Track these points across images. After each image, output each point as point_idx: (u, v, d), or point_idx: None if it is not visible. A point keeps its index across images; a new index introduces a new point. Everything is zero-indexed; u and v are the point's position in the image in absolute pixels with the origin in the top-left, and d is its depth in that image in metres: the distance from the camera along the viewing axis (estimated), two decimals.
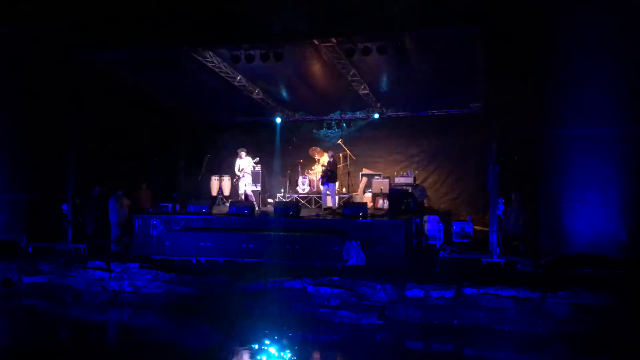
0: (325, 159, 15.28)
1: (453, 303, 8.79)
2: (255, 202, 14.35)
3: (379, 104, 16.46)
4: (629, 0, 9.81)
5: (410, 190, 14.51)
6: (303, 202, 15.67)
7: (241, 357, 7.91)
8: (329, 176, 13.90)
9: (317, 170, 15.80)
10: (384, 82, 14.56)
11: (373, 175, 16.00)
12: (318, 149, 16.30)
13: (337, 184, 14.82)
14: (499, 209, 11.07)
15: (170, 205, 13.41)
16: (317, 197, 15.56)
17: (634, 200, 9.63)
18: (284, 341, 8.13)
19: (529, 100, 11.42)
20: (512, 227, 11.88)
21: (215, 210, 13.62)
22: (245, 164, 15.33)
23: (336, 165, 14.86)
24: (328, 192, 14.24)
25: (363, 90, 15.00)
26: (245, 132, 18.18)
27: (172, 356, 7.94)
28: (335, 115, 17.42)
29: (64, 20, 12.37)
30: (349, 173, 16.01)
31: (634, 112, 9.70)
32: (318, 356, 8.08)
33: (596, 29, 9.73)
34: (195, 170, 17.75)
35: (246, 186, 15.29)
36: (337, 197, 14.66)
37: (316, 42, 11.97)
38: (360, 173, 16.28)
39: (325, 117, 17.64)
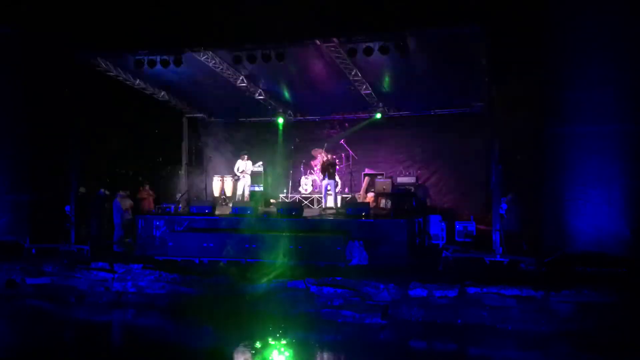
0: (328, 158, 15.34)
1: (456, 302, 8.79)
2: None
3: (381, 104, 16.45)
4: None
5: (412, 190, 14.52)
6: (306, 202, 15.67)
7: (245, 357, 7.92)
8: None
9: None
10: (385, 82, 14.55)
11: (375, 174, 16.00)
12: (320, 149, 16.31)
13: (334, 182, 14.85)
14: (502, 208, 11.06)
15: (173, 206, 13.42)
16: (319, 197, 15.56)
17: (638, 198, 9.61)
18: (288, 341, 8.14)
19: (531, 98, 11.42)
20: (511, 226, 11.88)
21: (218, 210, 13.63)
22: (245, 166, 15.42)
23: (321, 163, 14.89)
24: (329, 191, 14.28)
25: (365, 90, 14.99)
26: (247, 132, 18.22)
27: (176, 357, 7.94)
28: (338, 115, 17.42)
29: (65, 21, 12.40)
30: (351, 173, 16.01)
31: (637, 108, 9.68)
32: (322, 356, 8.09)
33: (597, 27, 9.73)
34: (197, 170, 17.79)
35: (245, 187, 15.38)
36: (339, 197, 14.67)
37: (318, 42, 11.96)
38: (363, 173, 16.28)
39: (327, 117, 17.63)
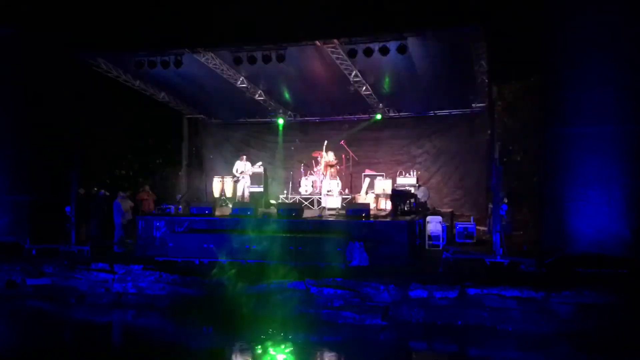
0: (330, 158, 15.37)
1: (457, 303, 8.77)
2: None
3: (381, 105, 16.47)
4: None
5: (413, 191, 14.51)
6: (306, 203, 15.66)
7: (245, 358, 7.91)
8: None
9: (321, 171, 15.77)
10: (385, 83, 14.56)
11: (376, 176, 16.00)
12: (320, 151, 16.30)
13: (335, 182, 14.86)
14: (502, 209, 11.05)
15: (173, 207, 13.41)
16: (320, 198, 15.55)
17: (638, 199, 9.60)
18: (288, 342, 8.13)
19: (531, 98, 11.43)
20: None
21: (218, 211, 13.62)
22: (244, 167, 15.42)
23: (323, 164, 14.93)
24: (330, 192, 14.26)
25: (365, 91, 15.00)
26: (247, 133, 18.24)
27: (176, 357, 7.95)
28: (338, 116, 17.43)
29: (65, 21, 12.41)
30: (351, 174, 16.00)
31: (637, 108, 9.67)
32: (322, 357, 8.08)
33: (597, 27, 9.72)
34: (197, 171, 17.79)
35: (245, 188, 15.39)
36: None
37: (318, 43, 11.98)
38: (363, 174, 16.27)
39: (327, 118, 17.65)
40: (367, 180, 15.99)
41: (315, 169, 15.98)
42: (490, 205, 13.19)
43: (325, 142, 15.92)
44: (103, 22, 12.19)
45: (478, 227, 13.49)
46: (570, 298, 8.39)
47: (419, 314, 8.81)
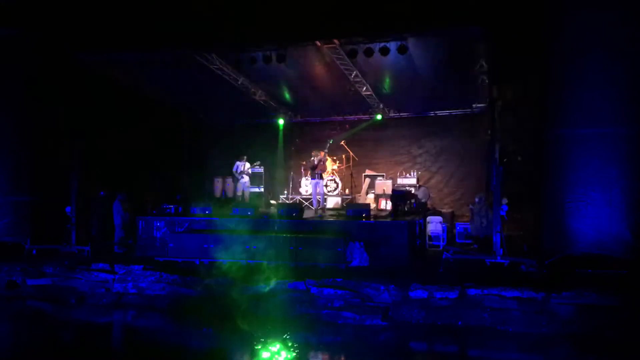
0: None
1: (457, 304, 8.77)
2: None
3: (381, 105, 16.46)
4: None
5: (413, 191, 14.52)
6: (306, 203, 15.67)
7: (245, 358, 7.91)
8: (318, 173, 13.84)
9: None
10: (386, 83, 14.56)
11: (376, 176, 16.01)
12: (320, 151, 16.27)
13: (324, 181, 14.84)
14: (503, 210, 11.04)
15: (173, 207, 13.40)
16: (319, 198, 15.49)
17: (639, 200, 9.59)
18: (288, 342, 8.13)
19: (532, 99, 11.41)
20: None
21: (218, 212, 13.62)
22: (244, 167, 15.44)
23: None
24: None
25: (366, 92, 15.00)
26: (248, 133, 18.22)
27: (176, 358, 7.95)
28: (338, 117, 17.43)
29: (66, 21, 12.40)
30: (352, 174, 16.01)
31: (638, 110, 9.66)
32: (322, 357, 8.08)
33: (599, 28, 9.71)
34: (198, 171, 17.78)
35: (245, 188, 15.39)
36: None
37: (318, 43, 11.97)
38: (363, 174, 16.30)
39: (327, 118, 17.65)
40: (368, 180, 16.00)
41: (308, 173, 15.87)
42: (470, 207, 13.21)
43: (327, 145, 15.83)
44: (103, 23, 12.15)
45: None
46: (570, 299, 8.38)
47: (420, 314, 8.80)
